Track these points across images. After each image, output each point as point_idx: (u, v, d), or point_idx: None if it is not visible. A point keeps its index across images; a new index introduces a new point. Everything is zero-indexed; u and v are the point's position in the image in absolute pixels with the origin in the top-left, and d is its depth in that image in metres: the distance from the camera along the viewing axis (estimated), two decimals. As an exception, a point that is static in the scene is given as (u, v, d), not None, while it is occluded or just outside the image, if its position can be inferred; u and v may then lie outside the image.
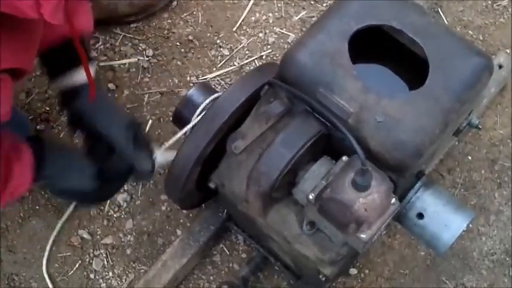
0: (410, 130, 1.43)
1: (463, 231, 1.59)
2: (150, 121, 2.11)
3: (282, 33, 2.25)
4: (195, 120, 1.68)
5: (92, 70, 1.57)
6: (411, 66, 1.55)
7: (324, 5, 2.29)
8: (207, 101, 1.71)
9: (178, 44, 2.22)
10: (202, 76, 2.17)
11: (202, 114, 1.66)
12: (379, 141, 1.45)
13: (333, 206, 1.40)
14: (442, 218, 1.57)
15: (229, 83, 2.16)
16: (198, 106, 1.71)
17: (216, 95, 1.72)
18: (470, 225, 2.00)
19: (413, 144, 1.43)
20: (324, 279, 1.65)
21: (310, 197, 1.44)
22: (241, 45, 2.23)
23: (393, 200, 1.42)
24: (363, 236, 1.40)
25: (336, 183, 1.40)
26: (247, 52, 2.22)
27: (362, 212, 1.37)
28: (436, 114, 1.46)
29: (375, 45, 1.57)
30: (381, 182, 1.39)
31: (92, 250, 1.98)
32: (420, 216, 1.58)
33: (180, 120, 1.74)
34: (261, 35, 2.25)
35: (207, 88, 1.79)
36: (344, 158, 1.47)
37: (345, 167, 1.43)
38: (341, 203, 1.38)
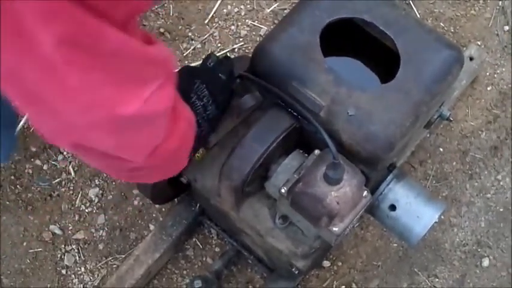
0: (382, 123, 1.44)
1: (435, 222, 1.60)
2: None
3: (254, 25, 2.24)
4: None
5: None
6: (383, 59, 1.55)
7: (296, -3, 2.29)
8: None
9: (149, 36, 2.20)
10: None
11: None
12: (351, 134, 1.45)
13: (305, 200, 1.40)
14: (414, 209, 1.58)
15: (201, 76, 2.15)
16: None
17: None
18: (442, 217, 2.01)
19: (384, 137, 1.44)
20: (296, 272, 1.65)
21: (283, 190, 1.44)
22: (213, 38, 2.22)
23: (365, 193, 1.43)
24: (335, 229, 1.40)
25: (308, 177, 1.40)
26: (219, 45, 2.21)
27: (334, 205, 1.37)
28: (407, 107, 1.46)
29: (346, 38, 1.57)
30: (353, 175, 1.40)
31: (63, 245, 1.97)
32: (392, 208, 1.58)
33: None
34: (233, 27, 2.23)
35: None
36: (316, 151, 1.46)
37: (317, 160, 1.43)
38: (313, 196, 1.38)
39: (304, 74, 1.47)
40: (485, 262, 2.00)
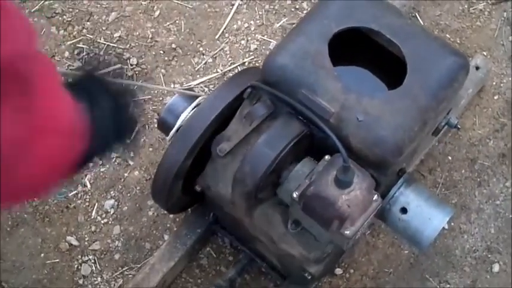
0: (390, 128, 1.47)
1: (445, 229, 1.62)
2: (136, 128, 2.13)
3: (264, 40, 2.28)
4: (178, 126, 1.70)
5: None
6: (389, 67, 1.59)
7: (304, 12, 2.33)
8: (189, 109, 1.72)
9: (161, 52, 2.25)
10: (186, 83, 2.20)
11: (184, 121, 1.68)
12: (360, 139, 1.48)
13: (316, 204, 1.43)
14: (426, 211, 1.60)
15: (212, 89, 2.19)
16: (180, 114, 1.72)
17: (197, 101, 1.74)
18: (452, 224, 2.04)
19: (392, 141, 1.47)
20: (309, 277, 1.68)
21: (294, 195, 1.46)
22: (223, 53, 2.26)
23: (375, 197, 1.46)
24: (346, 232, 1.43)
25: (319, 181, 1.43)
26: (229, 59, 2.25)
27: (345, 208, 1.40)
28: (414, 113, 1.49)
29: (354, 47, 1.60)
30: (363, 179, 1.43)
31: (80, 256, 2.00)
32: (404, 210, 1.60)
33: (164, 127, 1.76)
34: (243, 42, 2.28)
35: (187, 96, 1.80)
36: (326, 157, 1.50)
37: (327, 165, 1.46)
38: (324, 200, 1.41)
39: (314, 82, 1.51)
40: (496, 268, 2.02)
